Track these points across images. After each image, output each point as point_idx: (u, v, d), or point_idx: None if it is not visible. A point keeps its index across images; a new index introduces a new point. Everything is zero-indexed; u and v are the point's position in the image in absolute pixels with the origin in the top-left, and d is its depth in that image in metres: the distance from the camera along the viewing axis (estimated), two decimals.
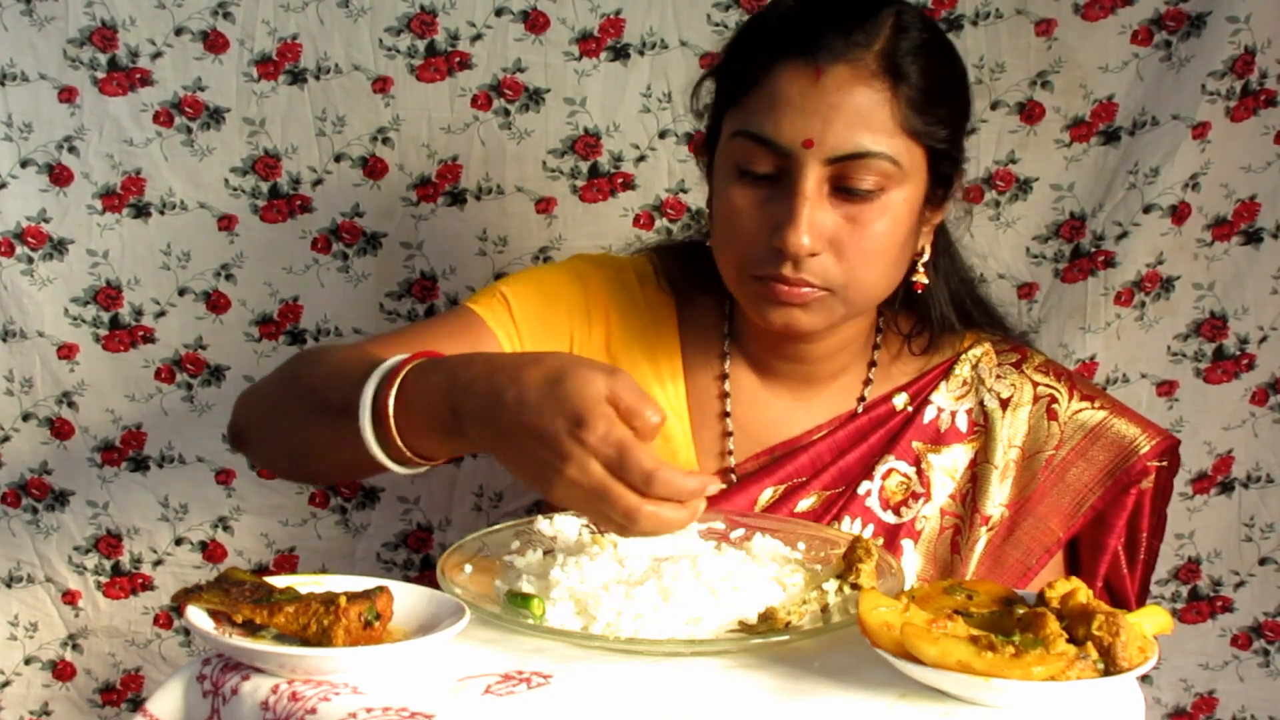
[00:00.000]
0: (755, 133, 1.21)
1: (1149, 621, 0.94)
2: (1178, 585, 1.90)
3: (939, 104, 1.24)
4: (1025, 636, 0.88)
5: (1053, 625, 0.89)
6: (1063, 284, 1.82)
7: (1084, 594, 0.94)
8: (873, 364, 1.40)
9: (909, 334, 1.39)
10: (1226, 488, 1.88)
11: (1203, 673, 1.92)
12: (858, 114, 1.19)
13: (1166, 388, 1.85)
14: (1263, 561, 1.89)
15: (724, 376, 1.39)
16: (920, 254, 1.32)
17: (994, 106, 1.78)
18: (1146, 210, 1.77)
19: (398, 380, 1.04)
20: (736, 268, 1.26)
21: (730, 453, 1.38)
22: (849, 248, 1.22)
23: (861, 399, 1.39)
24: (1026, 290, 1.83)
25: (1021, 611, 0.93)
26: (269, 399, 1.25)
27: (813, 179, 1.19)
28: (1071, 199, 1.80)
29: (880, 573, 1.09)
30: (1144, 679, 0.94)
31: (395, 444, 1.05)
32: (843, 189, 1.21)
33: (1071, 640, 0.89)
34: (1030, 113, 1.78)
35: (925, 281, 1.33)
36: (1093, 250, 1.81)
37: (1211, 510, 1.88)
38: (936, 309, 1.37)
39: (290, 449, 1.23)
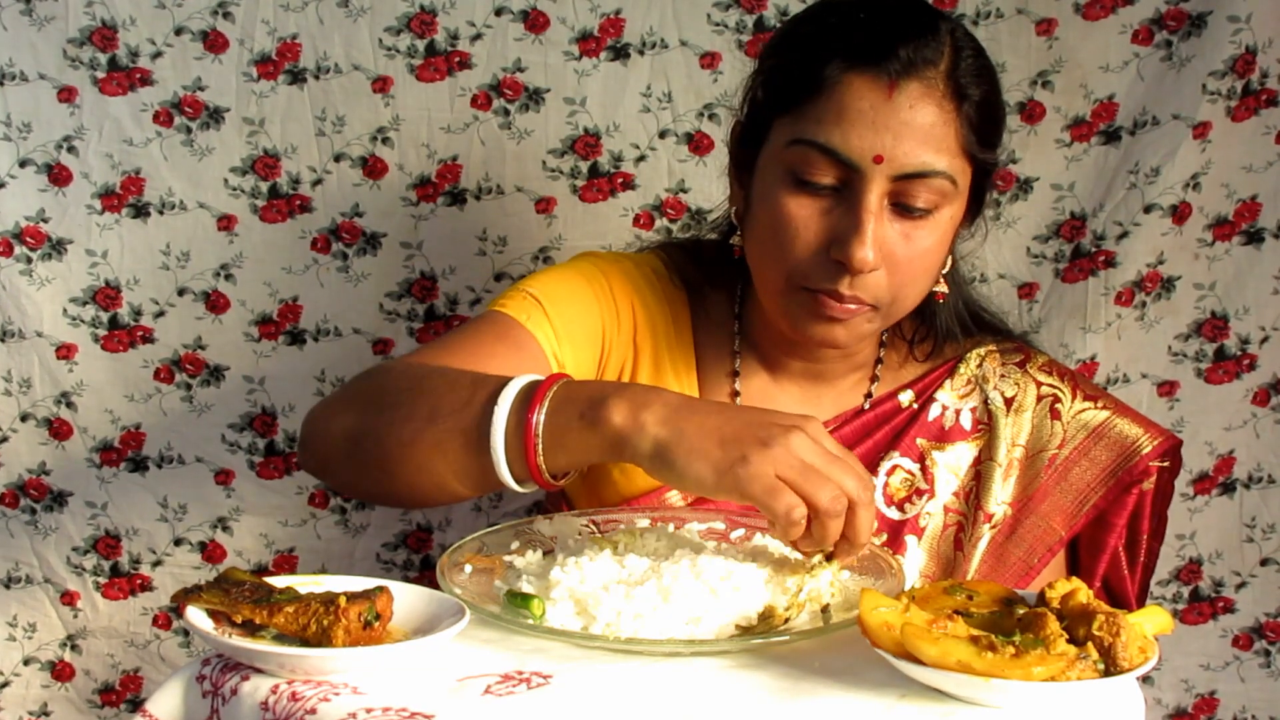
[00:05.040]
0: (822, 143, 1.19)
1: (1149, 622, 0.94)
2: (1179, 586, 1.90)
3: (992, 125, 1.24)
4: (1025, 637, 0.88)
5: (1053, 625, 0.89)
6: (1063, 284, 1.82)
7: (1084, 594, 0.94)
8: (879, 361, 1.40)
9: (911, 339, 1.40)
10: (1228, 488, 1.87)
11: (1204, 673, 1.92)
12: (927, 132, 1.18)
13: (1167, 388, 1.85)
14: (1264, 562, 1.89)
15: (735, 374, 1.39)
16: (943, 265, 1.32)
17: None
18: (1147, 210, 1.77)
19: (546, 398, 1.05)
20: (784, 277, 1.24)
21: None
22: (901, 264, 1.22)
23: (868, 395, 1.40)
24: (1027, 290, 1.83)
25: (1022, 612, 0.93)
26: (354, 405, 1.18)
27: (877, 194, 1.18)
28: (1072, 199, 1.80)
29: (880, 573, 1.09)
30: (1145, 679, 0.94)
31: (531, 458, 1.04)
32: (900, 205, 1.20)
33: (1072, 640, 0.89)
34: (1031, 112, 1.78)
35: (945, 291, 1.33)
36: (1093, 250, 1.80)
37: (1213, 511, 1.88)
38: (944, 317, 1.37)
39: (385, 454, 1.13)
